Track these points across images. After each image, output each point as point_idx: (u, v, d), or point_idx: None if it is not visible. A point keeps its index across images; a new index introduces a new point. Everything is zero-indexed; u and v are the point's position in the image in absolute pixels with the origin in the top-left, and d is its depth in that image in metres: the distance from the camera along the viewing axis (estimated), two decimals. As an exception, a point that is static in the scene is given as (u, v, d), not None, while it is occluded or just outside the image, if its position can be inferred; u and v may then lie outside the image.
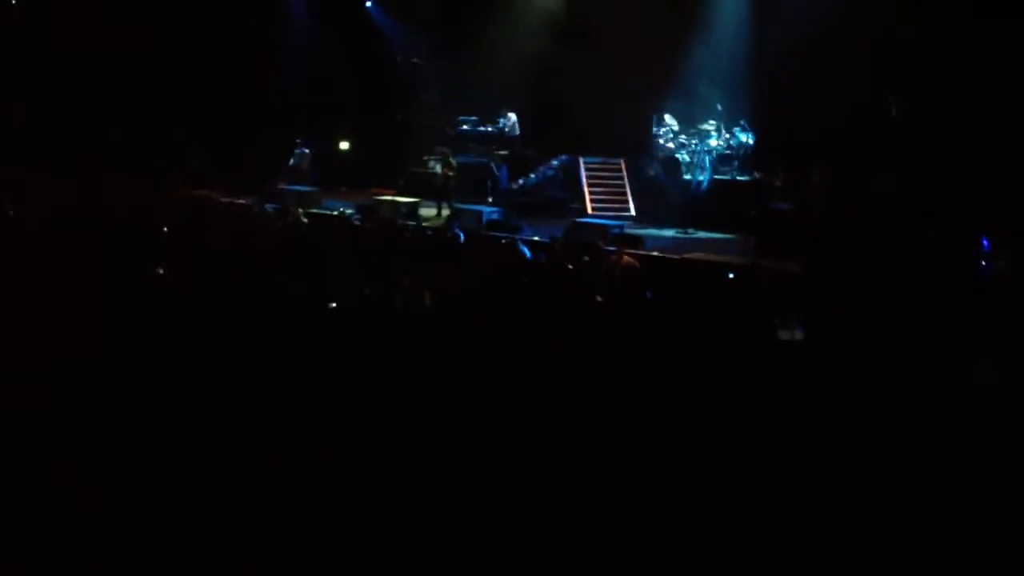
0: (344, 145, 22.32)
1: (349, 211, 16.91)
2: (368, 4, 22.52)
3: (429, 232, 13.79)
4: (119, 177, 16.99)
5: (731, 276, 11.90)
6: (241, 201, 16.81)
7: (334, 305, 7.96)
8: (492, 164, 19.64)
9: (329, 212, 17.23)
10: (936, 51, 15.10)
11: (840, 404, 5.87)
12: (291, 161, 20.69)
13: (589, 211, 18.37)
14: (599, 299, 9.44)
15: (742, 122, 17.94)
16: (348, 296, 8.12)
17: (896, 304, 8.73)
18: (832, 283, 10.26)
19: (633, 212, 18.49)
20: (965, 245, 11.70)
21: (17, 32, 20.77)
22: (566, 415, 5.64)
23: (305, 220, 15.19)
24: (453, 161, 18.51)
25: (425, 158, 20.41)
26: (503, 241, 13.59)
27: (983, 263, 11.67)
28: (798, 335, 8.05)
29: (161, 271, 9.07)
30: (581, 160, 19.36)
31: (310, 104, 20.99)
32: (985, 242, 11.92)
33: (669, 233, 16.84)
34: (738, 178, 17.81)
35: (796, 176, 16.69)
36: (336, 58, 21.47)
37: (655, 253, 14.27)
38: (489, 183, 19.28)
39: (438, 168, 18.74)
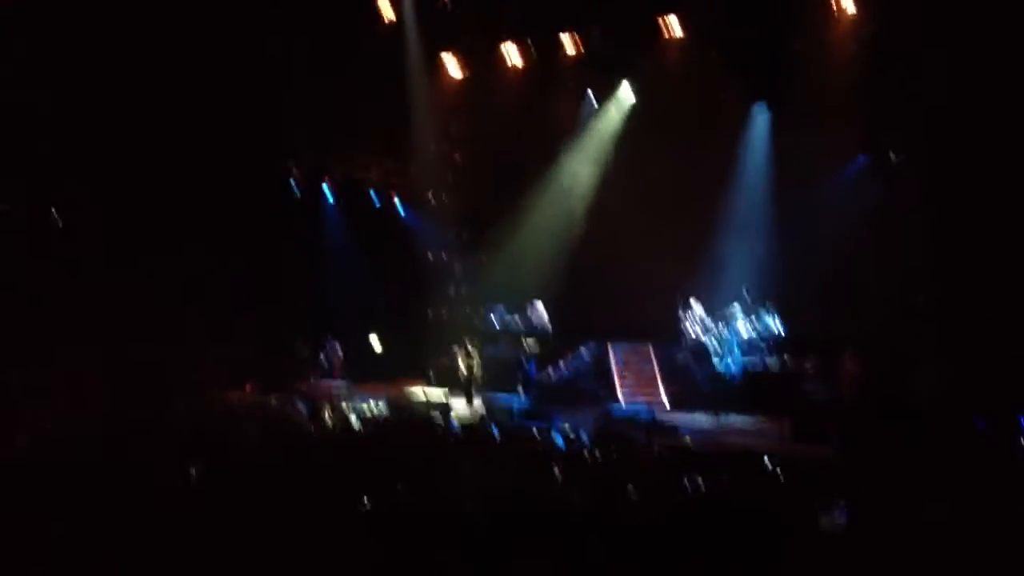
0: (375, 339, 22.59)
1: (380, 405, 16.92)
2: (397, 204, 23.34)
3: (463, 430, 13.74)
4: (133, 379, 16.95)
5: (768, 463, 11.72)
6: (273, 401, 16.86)
7: (367, 504, 7.89)
8: (521, 355, 19.79)
9: (360, 408, 17.24)
10: (960, 244, 15.46)
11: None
12: (322, 356, 20.91)
13: (620, 399, 18.33)
14: (631, 488, 9.30)
15: (768, 304, 18.08)
16: (384, 494, 8.05)
17: (938, 490, 8.58)
18: (873, 471, 10.11)
19: (664, 398, 18.41)
20: (1005, 426, 11.57)
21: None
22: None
23: (336, 416, 15.18)
24: (472, 349, 18.73)
25: (454, 350, 20.63)
26: (537, 434, 13.52)
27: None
28: (840, 523, 7.90)
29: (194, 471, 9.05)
30: (609, 347, 19.48)
31: (340, 301, 21.40)
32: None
33: (701, 418, 16.72)
34: (768, 362, 17.80)
35: (827, 361, 16.73)
36: (365, 255, 22.05)
37: (687, 440, 14.13)
38: (519, 374, 19.37)
39: (460, 359, 18.98)
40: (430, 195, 23.32)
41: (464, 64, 22.23)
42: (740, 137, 19.68)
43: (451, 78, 22.28)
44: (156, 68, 18.32)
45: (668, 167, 19.18)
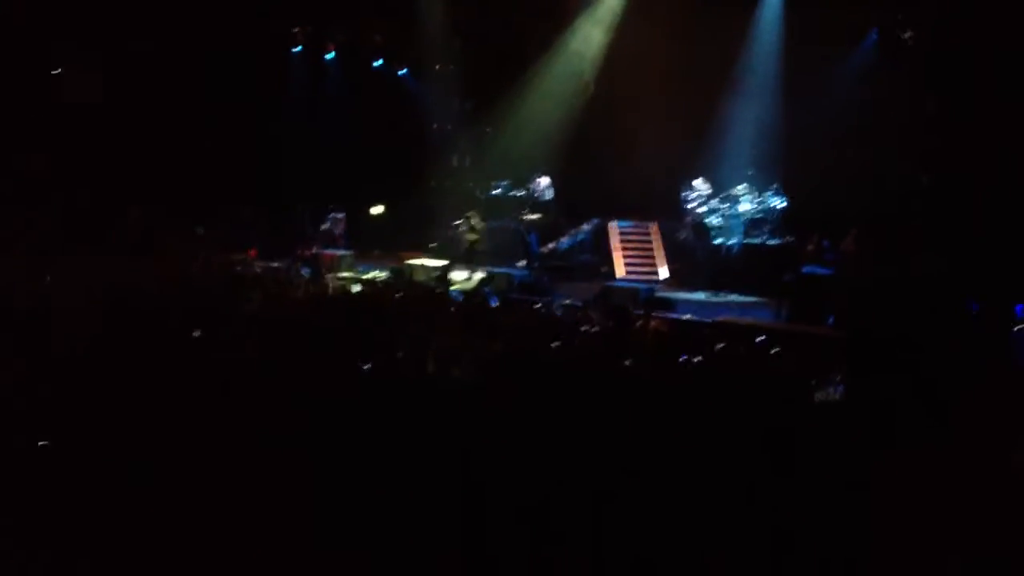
0: (377, 209, 22.51)
1: (382, 275, 17.02)
2: (401, 72, 22.95)
3: (460, 296, 13.84)
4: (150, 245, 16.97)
5: (761, 339, 11.85)
6: (275, 265, 16.96)
7: (367, 367, 7.99)
8: (523, 228, 19.78)
9: (362, 276, 17.36)
10: (964, 125, 15.31)
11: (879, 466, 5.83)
12: (324, 225, 20.90)
13: (620, 275, 18.41)
14: (627, 363, 9.41)
15: (774, 186, 17.97)
16: (382, 359, 8.15)
17: (933, 370, 8.68)
18: (871, 347, 10.21)
19: (664, 275, 18.50)
20: (998, 312, 11.65)
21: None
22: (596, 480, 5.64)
23: (338, 282, 15.31)
24: (476, 223, 18.72)
25: (456, 223, 20.60)
26: (536, 305, 13.64)
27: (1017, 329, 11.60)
28: (836, 396, 8.04)
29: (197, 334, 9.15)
30: (612, 223, 19.46)
31: (344, 170, 21.26)
32: (1019, 309, 11.86)
33: (700, 296, 16.83)
34: (769, 242, 17.81)
35: (828, 241, 16.73)
36: (370, 124, 21.80)
37: (686, 317, 14.25)
38: (521, 247, 19.40)
39: (463, 231, 19.01)
40: (436, 64, 22.92)
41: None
42: (753, 10, 19.22)
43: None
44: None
45: (679, 39, 18.75)
